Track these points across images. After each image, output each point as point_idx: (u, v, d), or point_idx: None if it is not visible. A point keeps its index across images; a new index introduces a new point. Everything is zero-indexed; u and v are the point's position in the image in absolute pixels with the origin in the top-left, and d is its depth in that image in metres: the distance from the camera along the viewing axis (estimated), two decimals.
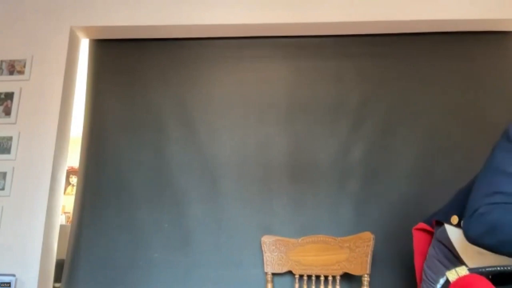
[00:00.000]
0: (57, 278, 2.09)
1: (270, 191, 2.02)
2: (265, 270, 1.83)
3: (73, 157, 2.62)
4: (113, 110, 2.16)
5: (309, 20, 2.09)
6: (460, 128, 2.05)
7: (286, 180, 2.03)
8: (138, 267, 1.95)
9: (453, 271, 1.14)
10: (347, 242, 1.73)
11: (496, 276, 1.07)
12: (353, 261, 1.69)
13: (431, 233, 1.37)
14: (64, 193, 2.57)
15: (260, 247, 1.90)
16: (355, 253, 1.69)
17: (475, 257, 1.11)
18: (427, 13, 2.06)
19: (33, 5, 2.19)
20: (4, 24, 2.16)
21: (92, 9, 2.16)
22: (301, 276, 1.84)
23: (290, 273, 1.84)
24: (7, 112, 2.03)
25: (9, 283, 1.79)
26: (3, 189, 1.94)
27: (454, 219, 1.17)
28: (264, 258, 1.85)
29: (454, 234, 1.16)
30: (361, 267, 1.66)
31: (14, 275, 1.82)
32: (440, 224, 1.25)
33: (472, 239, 0.99)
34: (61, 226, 2.20)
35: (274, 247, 1.85)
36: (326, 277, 1.76)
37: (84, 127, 2.18)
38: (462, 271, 1.12)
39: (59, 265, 2.06)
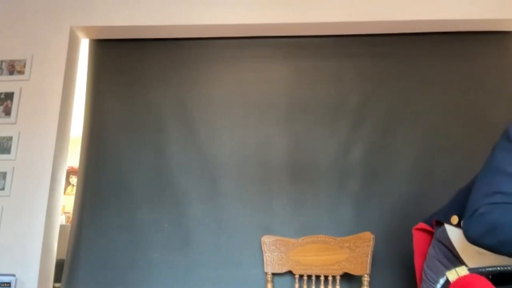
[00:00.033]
0: (57, 278, 2.09)
1: (270, 191, 2.02)
2: (265, 270, 1.83)
3: (73, 157, 2.62)
4: (113, 110, 2.16)
5: (309, 20, 2.09)
6: (460, 128, 2.05)
7: (286, 180, 2.03)
8: (138, 267, 1.95)
9: (453, 271, 1.14)
10: (347, 242, 1.73)
11: (496, 276, 1.07)
12: (353, 261, 1.69)
13: (431, 233, 1.37)
14: (64, 193, 2.57)
15: (260, 247, 1.90)
16: (355, 253, 1.69)
17: (475, 257, 1.11)
18: (427, 13, 2.06)
19: (33, 5, 2.19)
20: (4, 24, 2.16)
21: (92, 9, 2.16)
22: (301, 276, 1.84)
23: (290, 273, 1.84)
24: (7, 112, 2.03)
25: (9, 283, 1.79)
26: (3, 189, 1.94)
27: (454, 219, 1.17)
28: (264, 258, 1.85)
29: (454, 234, 1.16)
30: (361, 267, 1.66)
31: (14, 275, 1.82)
32: (440, 224, 1.25)
33: (472, 239, 0.99)
34: (61, 226, 2.20)
35: (274, 247, 1.85)
36: (326, 277, 1.76)
37: (84, 127, 2.18)
38: (462, 271, 1.12)
39: (59, 265, 2.06)
